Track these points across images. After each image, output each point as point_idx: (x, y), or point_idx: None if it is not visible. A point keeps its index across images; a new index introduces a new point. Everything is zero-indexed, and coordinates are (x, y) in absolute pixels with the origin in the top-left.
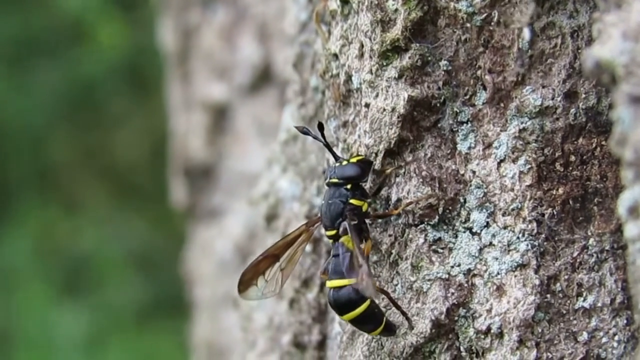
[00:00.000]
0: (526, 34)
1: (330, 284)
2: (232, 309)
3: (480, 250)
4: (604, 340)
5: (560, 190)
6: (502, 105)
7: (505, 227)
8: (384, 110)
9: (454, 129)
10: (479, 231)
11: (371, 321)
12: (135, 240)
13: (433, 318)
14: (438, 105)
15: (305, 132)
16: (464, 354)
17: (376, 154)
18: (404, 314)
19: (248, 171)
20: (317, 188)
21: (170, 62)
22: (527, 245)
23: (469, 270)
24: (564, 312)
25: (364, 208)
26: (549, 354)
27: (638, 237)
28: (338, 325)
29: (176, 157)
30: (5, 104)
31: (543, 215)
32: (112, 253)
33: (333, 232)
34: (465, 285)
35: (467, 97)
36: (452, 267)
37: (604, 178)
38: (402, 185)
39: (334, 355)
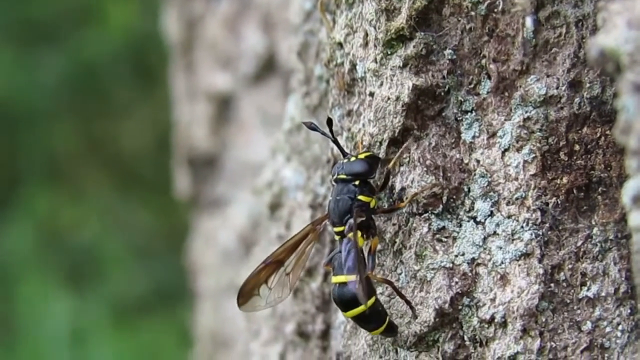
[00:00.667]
0: (529, 23)
1: (336, 279)
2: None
3: (485, 239)
4: (607, 329)
5: (565, 180)
6: (506, 94)
7: (509, 216)
8: (389, 99)
9: (458, 118)
10: (483, 220)
11: (374, 320)
12: (139, 230)
13: (437, 307)
14: (442, 94)
15: (313, 128)
16: (467, 343)
17: (380, 143)
18: (408, 303)
19: (252, 161)
20: (321, 177)
21: (175, 51)
22: (531, 234)
23: (473, 259)
24: (568, 301)
25: (372, 204)
26: (552, 343)
27: None
28: (342, 314)
29: (180, 147)
30: (11, 90)
31: (547, 204)
32: (115, 243)
33: (341, 229)
34: (469, 274)
35: (472, 86)
36: (456, 256)
37: (608, 167)
38: (406, 174)
39: (338, 345)
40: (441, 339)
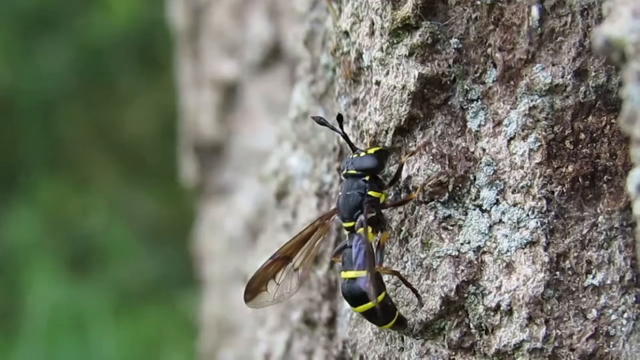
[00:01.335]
0: (535, 12)
1: (345, 274)
2: (242, 285)
3: (490, 227)
4: (613, 317)
5: (570, 168)
6: (512, 83)
7: (515, 205)
8: (395, 87)
9: (464, 107)
10: (488, 208)
11: (383, 315)
12: (144, 218)
13: (443, 295)
14: (448, 83)
15: (322, 123)
16: (473, 330)
17: (386, 132)
18: (414, 291)
19: (258, 148)
20: (327, 165)
21: (181, 39)
22: (537, 222)
23: (479, 247)
24: (573, 289)
25: (382, 199)
26: (558, 331)
27: None
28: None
29: (186, 134)
30: (16, 79)
31: (553, 192)
32: (121, 230)
33: (351, 224)
34: (475, 262)
35: (478, 74)
36: (462, 244)
37: (614, 156)
38: (412, 163)
39: (344, 332)
40: (447, 327)
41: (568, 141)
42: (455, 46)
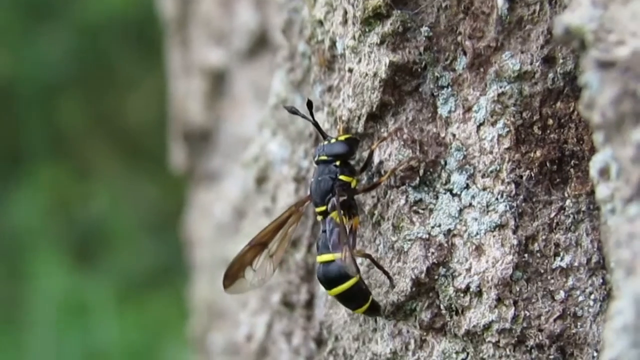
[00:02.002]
0: (502, 1)
1: (320, 258)
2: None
3: (460, 211)
4: (580, 298)
5: (538, 153)
6: (481, 70)
7: (484, 189)
8: (367, 75)
9: (434, 93)
10: (459, 192)
11: (357, 298)
12: (147, 205)
13: (413, 277)
14: (419, 70)
15: (294, 112)
16: (444, 311)
17: (359, 118)
18: (386, 273)
19: (246, 135)
20: (304, 151)
21: (170, 28)
22: (506, 206)
23: (449, 230)
24: (542, 271)
25: (353, 184)
26: (526, 312)
27: (609, 198)
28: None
29: (175, 121)
30: (18, 63)
31: (521, 177)
32: (123, 217)
33: (323, 209)
34: (445, 245)
35: (448, 62)
36: (433, 227)
37: (581, 141)
38: (384, 148)
39: (321, 314)
40: (418, 308)
41: (536, 127)
42: (426, 34)
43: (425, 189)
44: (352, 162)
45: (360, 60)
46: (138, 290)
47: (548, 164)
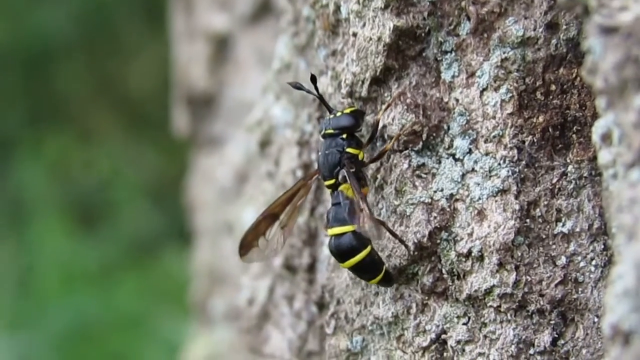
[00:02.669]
0: None
1: (332, 231)
2: (230, 235)
3: (463, 175)
4: (581, 264)
5: (541, 119)
6: (485, 35)
7: (487, 154)
8: (371, 39)
9: (438, 58)
10: (461, 157)
11: (371, 269)
12: (149, 171)
13: (416, 241)
14: (423, 35)
15: (299, 87)
16: (445, 276)
17: (362, 82)
18: (401, 242)
19: (248, 100)
20: (308, 115)
21: None
22: (508, 171)
23: (452, 195)
24: (543, 236)
25: (360, 156)
26: (528, 277)
27: (611, 164)
28: (327, 248)
29: (178, 86)
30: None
31: (523, 142)
32: (125, 184)
33: (332, 182)
34: (448, 209)
35: (452, 27)
36: (435, 191)
37: (583, 107)
38: (387, 112)
39: (323, 278)
40: (420, 272)
41: (539, 92)
42: None
43: (428, 153)
44: (359, 135)
45: (364, 25)
46: (139, 256)
47: (550, 130)
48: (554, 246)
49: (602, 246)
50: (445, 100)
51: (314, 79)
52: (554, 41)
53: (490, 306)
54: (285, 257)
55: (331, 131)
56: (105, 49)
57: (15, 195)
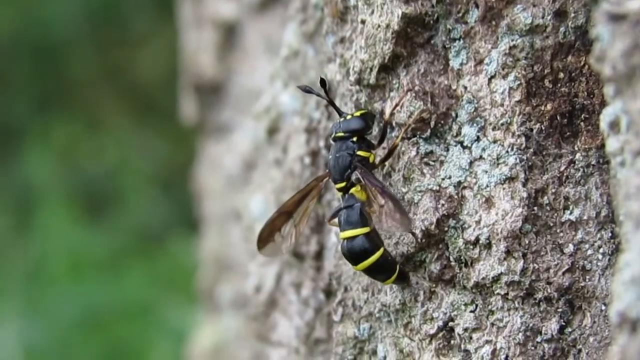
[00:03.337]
0: None
1: (344, 234)
2: (238, 222)
3: (471, 163)
4: (589, 252)
5: (549, 106)
6: (493, 23)
7: (495, 141)
8: (379, 26)
9: (446, 46)
10: (469, 145)
11: (384, 270)
12: (156, 160)
13: (423, 228)
14: (431, 22)
15: (308, 91)
16: (453, 263)
17: (371, 69)
18: (411, 232)
19: (256, 87)
20: (316, 102)
21: None
22: (516, 159)
23: (459, 182)
24: (551, 224)
25: (371, 159)
26: (535, 264)
27: (619, 151)
28: (334, 235)
29: (186, 74)
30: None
31: (531, 130)
32: (132, 172)
33: (343, 185)
34: (456, 197)
35: (460, 14)
36: (443, 179)
37: (591, 95)
38: (395, 100)
39: (330, 265)
40: (428, 260)
41: (547, 80)
42: None
43: (436, 140)
44: (369, 137)
45: (372, 12)
46: (147, 244)
47: (558, 118)
48: (561, 234)
49: (610, 234)
50: (454, 87)
51: (323, 83)
52: (562, 29)
53: (498, 294)
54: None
55: (341, 134)
56: (114, 37)
57: (24, 183)
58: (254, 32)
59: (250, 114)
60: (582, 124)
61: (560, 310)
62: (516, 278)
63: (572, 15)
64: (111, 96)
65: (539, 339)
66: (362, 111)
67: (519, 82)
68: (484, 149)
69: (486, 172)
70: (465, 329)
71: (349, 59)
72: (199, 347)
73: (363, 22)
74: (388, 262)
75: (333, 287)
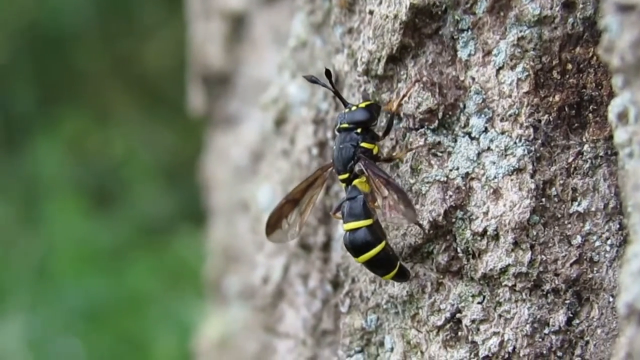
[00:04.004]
0: None
1: (347, 226)
2: (245, 213)
3: (479, 154)
4: (597, 244)
5: (557, 97)
6: (501, 14)
7: (502, 133)
8: (387, 17)
9: (454, 37)
10: (477, 136)
11: (385, 264)
12: (164, 151)
13: (431, 219)
14: (439, 13)
15: (314, 81)
16: (460, 255)
17: (379, 60)
18: (417, 224)
19: (264, 79)
20: (324, 93)
21: None
22: (524, 150)
23: (467, 173)
24: (559, 215)
25: (375, 151)
26: (543, 256)
27: (627, 143)
28: (342, 227)
29: (194, 65)
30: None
31: (539, 121)
32: (140, 163)
33: (346, 176)
34: (463, 188)
35: (468, 5)
36: (451, 170)
37: (599, 86)
38: (403, 91)
39: (338, 256)
40: (435, 251)
41: (555, 71)
42: None
43: (444, 131)
44: (374, 129)
45: (381, 2)
46: (154, 237)
47: (566, 109)
48: (569, 225)
49: (618, 225)
50: (462, 78)
51: (328, 74)
52: (570, 20)
53: (505, 285)
54: (300, 235)
55: (346, 125)
56: (122, 28)
57: (31, 175)
58: (262, 23)
59: (258, 105)
60: (590, 115)
61: (567, 302)
62: (524, 269)
63: (581, 6)
64: (119, 88)
65: (546, 330)
66: (368, 102)
67: (527, 73)
68: (491, 140)
69: (494, 163)
70: (473, 321)
71: (357, 50)
72: (206, 338)
73: (371, 12)
74: (389, 257)
75: (340, 279)
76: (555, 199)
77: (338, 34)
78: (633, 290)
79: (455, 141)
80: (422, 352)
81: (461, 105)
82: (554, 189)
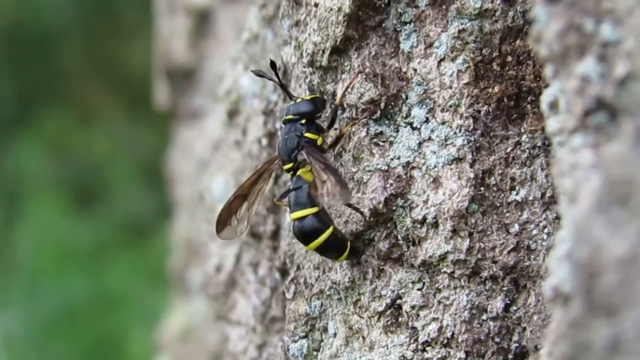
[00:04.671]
0: None
1: (294, 215)
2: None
3: (420, 144)
4: (534, 232)
5: (496, 89)
6: (443, 7)
7: (443, 123)
8: (331, 9)
9: (397, 29)
10: (418, 126)
11: (335, 248)
12: (146, 151)
13: (372, 207)
14: (383, 5)
15: (261, 75)
16: (401, 242)
17: (323, 51)
18: (356, 209)
19: None
20: (273, 85)
21: None
22: (464, 140)
23: (408, 162)
24: (497, 204)
25: (319, 142)
26: (481, 243)
27: (558, 132)
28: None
29: (159, 60)
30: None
31: (479, 112)
32: (122, 163)
33: (290, 165)
34: (404, 177)
35: None
36: (392, 159)
37: (538, 78)
38: (347, 82)
39: (285, 244)
40: (376, 238)
41: (495, 63)
42: None
43: (386, 122)
44: (319, 121)
45: None
46: (135, 236)
47: (506, 100)
48: (507, 214)
49: (555, 214)
50: (404, 70)
51: (273, 65)
52: (511, 13)
53: (445, 272)
54: (250, 224)
55: (291, 117)
56: (105, 29)
57: (14, 174)
58: (226, 20)
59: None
60: (528, 106)
61: (505, 288)
62: (462, 257)
63: (521, 0)
64: (102, 87)
65: (484, 316)
66: (313, 95)
67: (467, 65)
68: (432, 130)
69: (434, 152)
70: (413, 307)
71: (303, 42)
72: (169, 330)
73: (316, 5)
74: (338, 240)
75: (287, 266)
76: (494, 188)
77: (286, 26)
78: (559, 273)
79: (397, 131)
80: (363, 338)
81: (403, 96)
82: (492, 178)
